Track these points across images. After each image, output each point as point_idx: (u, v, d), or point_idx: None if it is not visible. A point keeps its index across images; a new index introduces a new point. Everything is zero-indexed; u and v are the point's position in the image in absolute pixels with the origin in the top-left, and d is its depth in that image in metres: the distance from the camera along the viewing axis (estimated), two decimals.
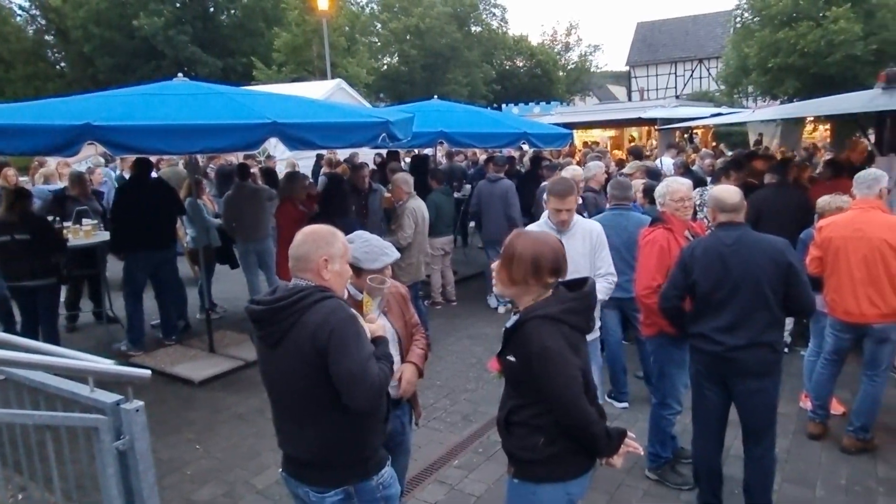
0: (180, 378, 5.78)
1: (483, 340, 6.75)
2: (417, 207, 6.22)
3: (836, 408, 4.77)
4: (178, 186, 7.46)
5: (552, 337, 2.20)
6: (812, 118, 18.01)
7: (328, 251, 2.29)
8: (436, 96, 9.42)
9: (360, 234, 2.84)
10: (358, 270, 2.65)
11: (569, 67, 33.86)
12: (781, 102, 20.42)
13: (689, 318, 3.52)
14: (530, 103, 22.88)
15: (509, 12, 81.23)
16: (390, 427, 2.78)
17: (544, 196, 5.66)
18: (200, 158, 11.51)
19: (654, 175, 7.00)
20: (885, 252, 4.03)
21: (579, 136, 19.29)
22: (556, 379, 2.20)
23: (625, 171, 7.55)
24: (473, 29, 26.66)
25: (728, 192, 3.50)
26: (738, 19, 22.59)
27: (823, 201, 4.72)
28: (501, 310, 7.58)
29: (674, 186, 4.01)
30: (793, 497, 3.88)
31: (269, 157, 12.15)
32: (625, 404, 5.12)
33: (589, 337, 3.11)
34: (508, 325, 2.35)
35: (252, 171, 8.29)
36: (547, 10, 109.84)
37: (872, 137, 7.49)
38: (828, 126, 19.62)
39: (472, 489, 4.06)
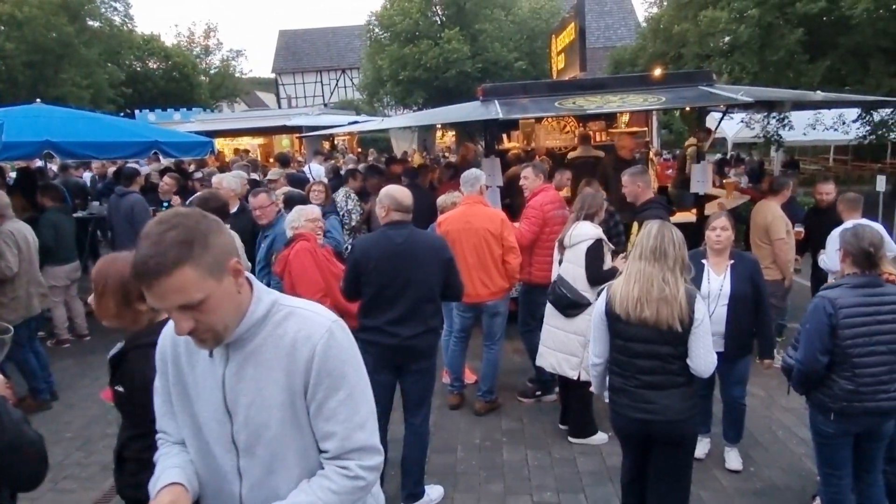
0: None
1: None
2: (18, 230, 5.16)
3: (469, 377, 5.48)
4: None
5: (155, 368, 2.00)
6: (440, 125, 20.60)
7: None
8: (39, 100, 7.95)
9: None
10: None
11: (211, 72, 32.20)
12: (414, 111, 22.88)
13: (361, 312, 3.68)
14: (169, 109, 21.03)
15: (134, 8, 73.96)
16: None
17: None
18: None
19: (297, 182, 7.08)
20: (489, 239, 4.75)
21: (229, 145, 18.60)
22: None
23: (268, 177, 7.48)
24: (91, 23, 23.29)
25: (403, 192, 3.76)
26: (371, 33, 24.53)
27: (441, 199, 5.36)
28: None
29: (306, 210, 4.31)
30: (439, 464, 4.33)
31: None
32: None
33: None
34: (113, 353, 2.15)
35: None
36: (179, 10, 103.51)
37: (482, 143, 8.85)
38: (453, 133, 22.68)
39: None
